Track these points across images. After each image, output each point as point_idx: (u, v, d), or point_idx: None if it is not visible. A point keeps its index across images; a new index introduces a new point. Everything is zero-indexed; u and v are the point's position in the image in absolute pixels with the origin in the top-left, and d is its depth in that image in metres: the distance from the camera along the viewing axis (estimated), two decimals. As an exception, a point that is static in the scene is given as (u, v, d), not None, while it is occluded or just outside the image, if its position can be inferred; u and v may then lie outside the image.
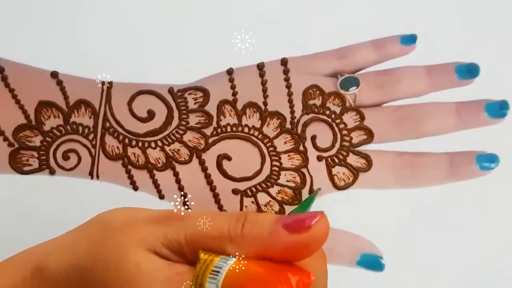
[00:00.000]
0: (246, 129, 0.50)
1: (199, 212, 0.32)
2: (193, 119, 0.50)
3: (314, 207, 0.49)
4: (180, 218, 0.32)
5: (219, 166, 0.49)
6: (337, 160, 0.49)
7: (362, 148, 0.50)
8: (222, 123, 0.50)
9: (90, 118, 0.49)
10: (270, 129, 0.50)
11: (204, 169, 0.49)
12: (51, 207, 0.48)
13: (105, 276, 0.31)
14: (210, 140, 0.49)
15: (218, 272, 0.29)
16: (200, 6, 0.51)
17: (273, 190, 0.49)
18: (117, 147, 0.49)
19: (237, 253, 0.31)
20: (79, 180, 0.49)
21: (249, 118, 0.50)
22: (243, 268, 0.30)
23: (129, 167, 0.49)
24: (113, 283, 0.31)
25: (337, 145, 0.50)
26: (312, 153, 0.49)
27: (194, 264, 0.31)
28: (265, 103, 0.50)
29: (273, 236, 0.31)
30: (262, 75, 0.50)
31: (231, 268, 0.30)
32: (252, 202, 0.49)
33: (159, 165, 0.49)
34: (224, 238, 0.31)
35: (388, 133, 0.50)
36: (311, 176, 0.49)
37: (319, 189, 0.49)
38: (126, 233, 0.32)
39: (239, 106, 0.50)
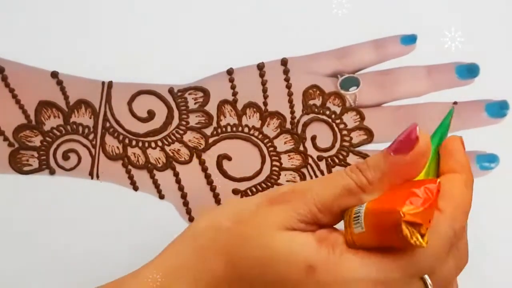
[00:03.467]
0: (246, 129, 0.50)
1: (310, 182, 0.36)
2: (193, 119, 0.50)
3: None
4: (301, 192, 0.34)
5: (219, 166, 0.49)
6: (337, 160, 0.49)
7: (362, 148, 0.50)
8: (222, 123, 0.50)
9: (90, 118, 0.49)
10: (270, 129, 0.50)
11: (204, 169, 0.49)
12: (51, 207, 0.48)
13: (261, 271, 0.33)
14: (210, 140, 0.49)
15: (358, 216, 0.32)
16: (200, 6, 0.51)
17: (273, 190, 0.49)
18: (117, 147, 0.49)
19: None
20: (79, 180, 0.49)
21: (249, 118, 0.50)
22: (374, 205, 0.32)
23: (129, 167, 0.49)
24: (273, 275, 0.33)
25: (337, 145, 0.50)
26: (312, 153, 0.49)
27: (329, 225, 0.34)
28: (265, 103, 0.50)
29: (393, 167, 0.33)
30: (262, 75, 0.50)
31: (365, 209, 0.32)
32: (252, 202, 0.49)
33: (159, 165, 0.49)
34: (357, 192, 0.33)
35: (388, 133, 0.50)
36: (311, 176, 0.49)
37: (454, 104, 0.49)
38: (257, 225, 0.34)
39: (239, 106, 0.50)
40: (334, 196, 0.34)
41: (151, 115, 0.50)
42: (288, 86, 0.50)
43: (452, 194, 0.34)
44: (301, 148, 0.49)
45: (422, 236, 0.30)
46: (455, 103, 0.50)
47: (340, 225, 0.35)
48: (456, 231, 0.33)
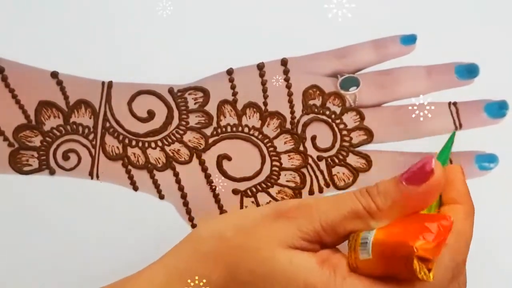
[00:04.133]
0: (246, 129, 0.50)
1: (319, 199, 0.35)
2: (193, 119, 0.50)
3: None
4: (307, 209, 0.34)
5: (219, 166, 0.49)
6: (337, 160, 0.49)
7: (362, 148, 0.50)
8: (222, 123, 0.50)
9: (90, 118, 0.49)
10: (270, 129, 0.50)
11: (204, 169, 0.49)
12: (51, 207, 0.48)
13: (260, 287, 0.33)
14: (210, 140, 0.49)
15: (366, 243, 0.32)
16: (200, 6, 0.51)
17: (273, 190, 0.49)
18: (117, 147, 0.49)
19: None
20: (79, 180, 0.49)
21: (249, 118, 0.50)
22: (385, 236, 0.32)
23: (129, 167, 0.49)
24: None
25: (337, 145, 0.50)
26: (312, 153, 0.49)
27: (331, 246, 0.34)
28: (265, 103, 0.50)
29: (404, 197, 0.33)
30: (262, 75, 0.50)
31: (375, 238, 0.32)
32: (252, 202, 0.49)
33: (159, 165, 0.49)
34: (365, 217, 0.33)
35: (388, 133, 0.50)
36: (310, 176, 0.49)
37: (456, 130, 0.49)
38: (259, 238, 0.34)
39: (239, 106, 0.50)
40: (340, 217, 0.33)
41: (151, 115, 0.50)
42: (288, 86, 0.50)
43: (455, 226, 0.33)
44: (301, 148, 0.50)
45: (429, 270, 0.30)
46: (455, 103, 0.50)
47: (342, 246, 0.34)
48: (458, 263, 0.33)
